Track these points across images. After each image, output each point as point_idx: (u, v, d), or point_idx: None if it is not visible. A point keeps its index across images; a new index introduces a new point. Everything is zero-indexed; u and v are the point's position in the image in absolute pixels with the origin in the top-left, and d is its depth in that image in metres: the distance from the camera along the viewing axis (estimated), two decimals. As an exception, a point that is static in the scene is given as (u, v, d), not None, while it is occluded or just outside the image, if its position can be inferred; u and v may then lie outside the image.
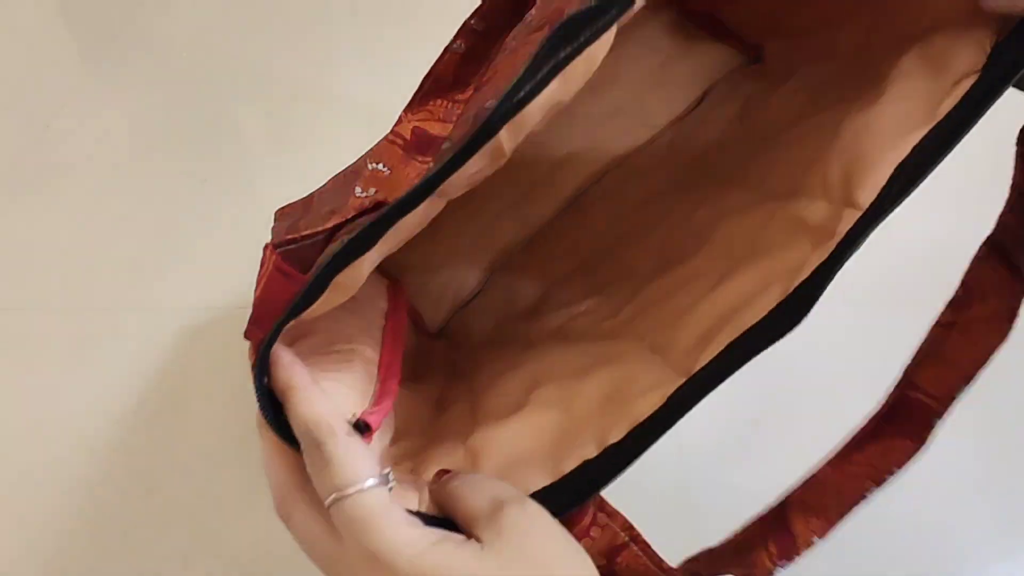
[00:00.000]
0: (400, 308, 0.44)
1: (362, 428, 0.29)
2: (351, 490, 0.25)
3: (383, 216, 0.25)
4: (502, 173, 0.51)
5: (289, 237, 0.26)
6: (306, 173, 0.50)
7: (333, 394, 0.30)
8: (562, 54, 0.23)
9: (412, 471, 0.33)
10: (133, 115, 0.61)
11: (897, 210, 0.27)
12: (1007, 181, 0.36)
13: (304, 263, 0.26)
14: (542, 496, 0.30)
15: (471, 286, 0.54)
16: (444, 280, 0.54)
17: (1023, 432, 0.56)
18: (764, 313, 0.29)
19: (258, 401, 0.27)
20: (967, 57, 0.26)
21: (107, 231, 0.59)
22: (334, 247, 0.26)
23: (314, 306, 0.27)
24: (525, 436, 0.33)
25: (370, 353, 0.35)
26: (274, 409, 0.27)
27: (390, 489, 0.27)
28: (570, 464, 0.30)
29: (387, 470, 0.27)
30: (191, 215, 0.60)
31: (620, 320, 0.39)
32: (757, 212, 0.35)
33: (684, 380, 0.30)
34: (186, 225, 0.60)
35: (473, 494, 0.28)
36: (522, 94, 0.24)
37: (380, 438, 0.34)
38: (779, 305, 0.28)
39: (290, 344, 0.31)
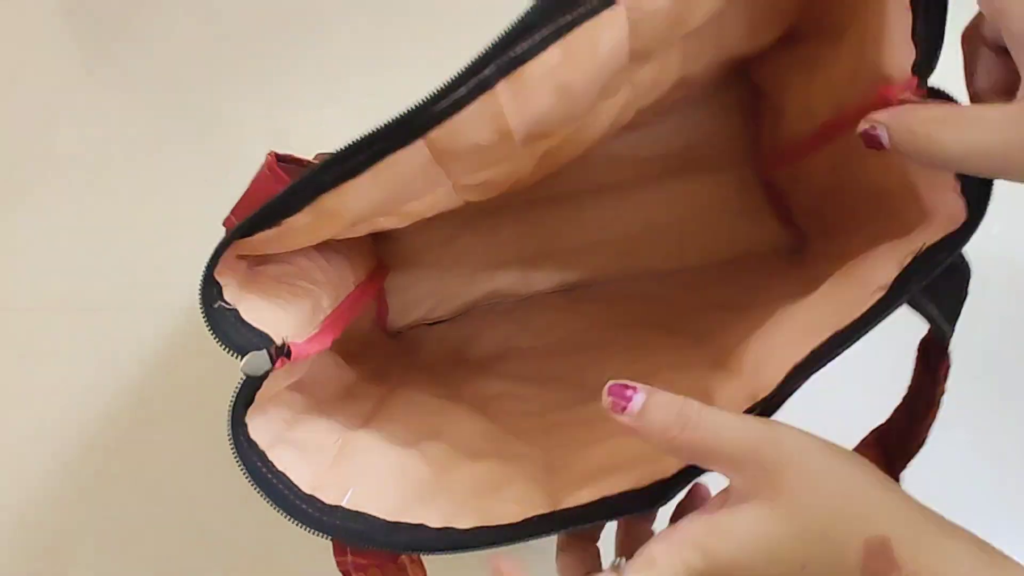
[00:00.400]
0: (372, 287, 0.45)
1: (283, 352, 0.29)
2: None
3: (369, 136, 0.25)
4: (533, 217, 0.52)
5: (295, 156, 0.27)
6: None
7: (268, 314, 0.30)
8: (562, 20, 0.24)
9: (285, 422, 0.33)
10: (133, 115, 0.60)
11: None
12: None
13: (292, 176, 0.27)
14: (370, 521, 0.30)
15: (445, 311, 0.54)
16: (427, 291, 0.54)
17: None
18: (648, 481, 0.30)
19: (200, 294, 0.27)
20: (886, 271, 0.27)
21: (107, 230, 0.59)
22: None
23: (297, 222, 0.27)
24: (387, 467, 0.33)
25: (326, 303, 0.36)
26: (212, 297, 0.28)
27: None
28: (408, 518, 0.31)
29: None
30: (191, 215, 0.58)
31: (542, 423, 0.39)
32: (695, 373, 0.36)
33: (546, 511, 0.30)
34: (186, 225, 0.58)
35: (730, 448, 0.25)
36: (519, 50, 0.24)
37: (287, 372, 0.33)
38: (661, 481, 0.29)
39: (258, 264, 0.32)
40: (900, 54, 0.28)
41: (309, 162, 0.27)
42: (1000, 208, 0.48)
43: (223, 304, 0.28)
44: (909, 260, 0.27)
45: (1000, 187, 0.29)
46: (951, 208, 0.28)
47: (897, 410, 0.32)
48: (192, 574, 0.54)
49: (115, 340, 0.57)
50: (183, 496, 0.55)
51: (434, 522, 0.30)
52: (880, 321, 0.27)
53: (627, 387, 0.27)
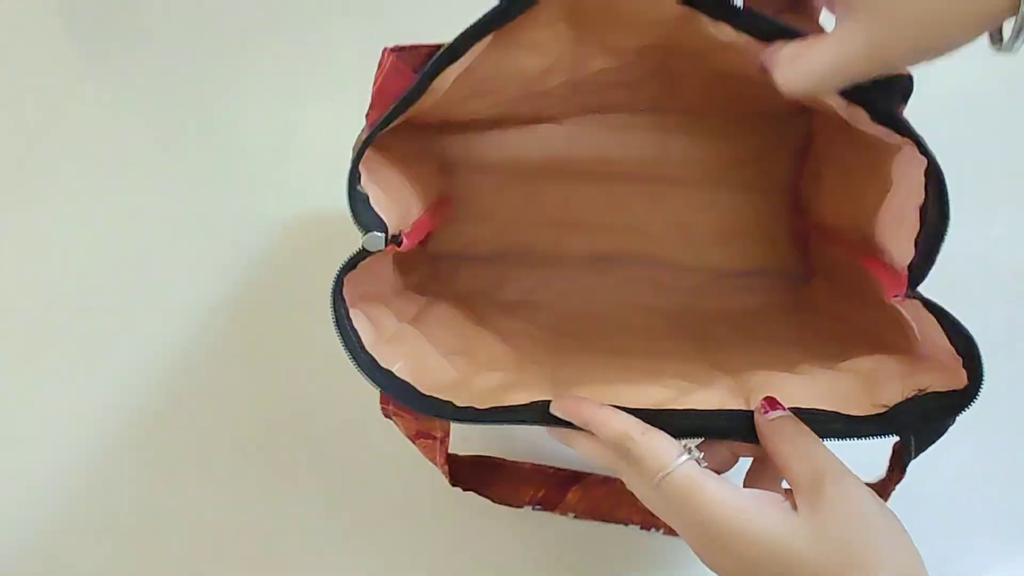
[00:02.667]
0: (442, 208, 0.52)
1: (397, 240, 0.36)
2: (669, 468, 0.31)
3: (470, 28, 0.32)
4: (581, 191, 0.58)
5: (402, 45, 0.34)
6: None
7: (384, 206, 0.36)
8: None
9: (360, 296, 0.40)
10: (134, 115, 0.61)
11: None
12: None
13: (412, 66, 0.34)
14: (409, 389, 0.37)
15: (479, 251, 0.59)
16: (467, 227, 0.59)
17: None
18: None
19: (349, 177, 0.34)
20: (890, 391, 0.35)
21: (108, 231, 0.60)
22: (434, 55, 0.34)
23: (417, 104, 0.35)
24: (427, 361, 0.41)
25: (415, 211, 0.44)
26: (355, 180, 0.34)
27: (699, 460, 0.32)
28: (438, 394, 0.37)
29: (692, 444, 0.33)
30: (192, 214, 0.60)
31: (553, 359, 0.46)
32: (696, 365, 0.44)
33: (542, 400, 0.37)
34: (186, 224, 0.60)
35: (798, 459, 0.31)
36: None
37: (381, 256, 0.39)
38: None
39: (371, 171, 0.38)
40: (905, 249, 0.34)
41: (413, 47, 0.34)
42: (1000, 209, 0.50)
43: (360, 189, 0.34)
44: (911, 394, 0.33)
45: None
46: (945, 359, 0.34)
47: None
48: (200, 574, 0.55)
49: (122, 339, 0.58)
50: (193, 494, 0.56)
51: (461, 400, 0.37)
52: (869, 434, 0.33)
53: (777, 405, 0.34)
